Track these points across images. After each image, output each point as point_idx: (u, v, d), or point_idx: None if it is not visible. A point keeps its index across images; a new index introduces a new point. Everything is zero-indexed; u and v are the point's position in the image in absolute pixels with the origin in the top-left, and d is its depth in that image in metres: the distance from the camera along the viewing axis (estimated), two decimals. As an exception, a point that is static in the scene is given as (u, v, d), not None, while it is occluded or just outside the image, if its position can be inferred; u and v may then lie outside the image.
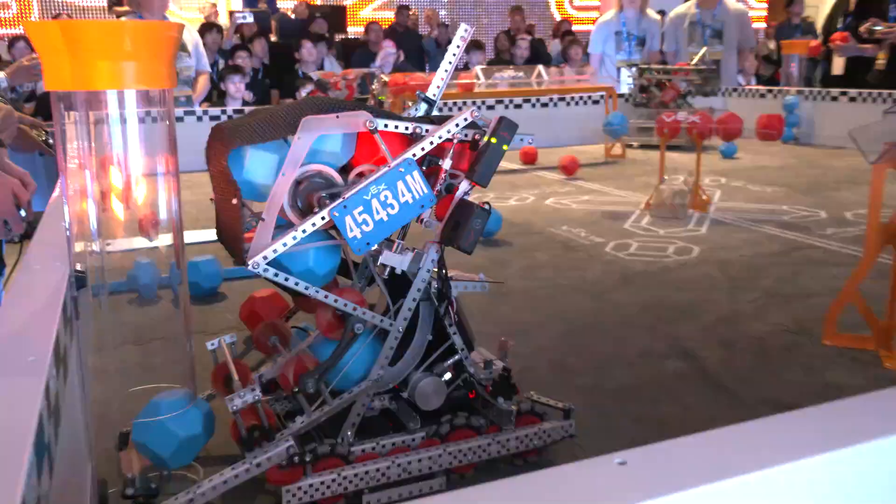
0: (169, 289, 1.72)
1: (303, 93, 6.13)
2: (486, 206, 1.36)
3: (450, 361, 1.44)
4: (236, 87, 5.94)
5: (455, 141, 1.38)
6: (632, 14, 7.09)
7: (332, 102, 1.39)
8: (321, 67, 7.15)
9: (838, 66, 6.25)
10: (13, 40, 6.83)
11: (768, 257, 2.98)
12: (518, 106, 6.33)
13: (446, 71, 1.45)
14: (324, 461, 1.35)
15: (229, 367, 1.48)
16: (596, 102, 6.49)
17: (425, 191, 1.33)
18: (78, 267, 1.38)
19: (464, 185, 1.38)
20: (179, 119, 5.32)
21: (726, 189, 4.42)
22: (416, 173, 1.32)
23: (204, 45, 7.04)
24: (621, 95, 6.25)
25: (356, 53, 8.26)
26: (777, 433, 0.91)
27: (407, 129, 1.36)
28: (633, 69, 6.16)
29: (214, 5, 9.90)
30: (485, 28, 13.34)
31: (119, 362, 1.65)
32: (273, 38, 8.51)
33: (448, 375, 1.44)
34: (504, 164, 5.40)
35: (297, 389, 1.36)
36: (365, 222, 1.30)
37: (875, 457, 0.82)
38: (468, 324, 1.51)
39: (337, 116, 1.33)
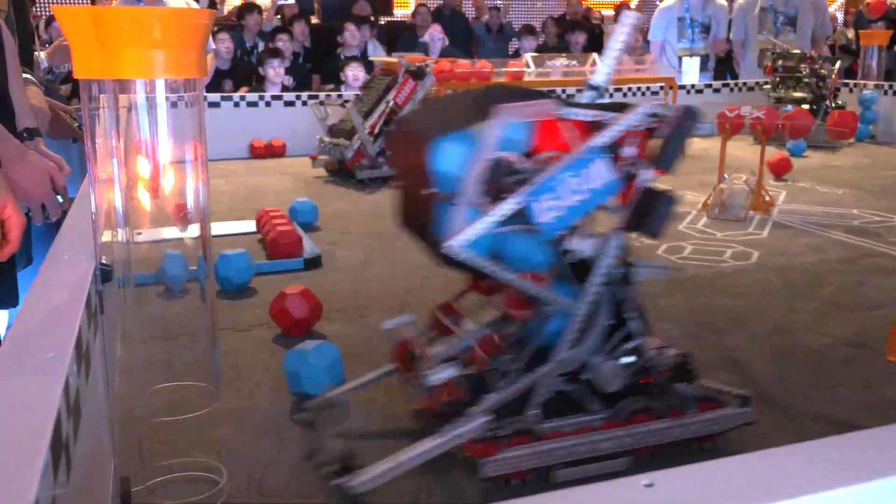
0: (197, 282, 1.77)
1: (348, 73, 6.15)
2: (672, 193, 1.45)
3: (629, 346, 1.53)
4: (276, 72, 6.02)
5: (635, 129, 1.46)
6: (696, -1, 6.98)
7: (518, 91, 1.51)
8: (364, 52, 7.20)
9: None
10: (50, 19, 7.04)
11: (833, 264, 2.92)
12: (571, 96, 6.29)
13: (614, 58, 1.57)
14: (516, 437, 1.46)
15: (412, 345, 1.62)
16: (655, 94, 6.41)
17: (611, 178, 1.43)
18: (104, 260, 1.43)
19: (646, 173, 1.47)
20: (216, 105, 5.43)
21: (792, 190, 4.34)
22: (602, 160, 1.43)
23: (244, 27, 7.16)
24: (682, 87, 6.17)
25: (402, 37, 8.30)
26: (820, 457, 0.90)
27: (592, 117, 1.47)
28: (770, 54, 6.02)
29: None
30: (538, 12, 13.25)
31: (145, 357, 1.71)
32: (315, 20, 8.59)
33: (627, 359, 1.53)
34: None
35: (489, 367, 1.48)
36: (553, 208, 1.40)
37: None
38: (645, 310, 1.59)
39: (525, 105, 1.42)
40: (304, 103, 5.58)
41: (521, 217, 1.41)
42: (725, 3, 7.34)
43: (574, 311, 1.48)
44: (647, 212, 1.44)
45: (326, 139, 4.72)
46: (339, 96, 5.58)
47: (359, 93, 4.99)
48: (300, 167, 5.01)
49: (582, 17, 11.52)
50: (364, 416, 1.57)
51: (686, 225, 3.54)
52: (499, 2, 11.05)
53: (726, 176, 3.79)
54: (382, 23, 9.87)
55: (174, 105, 1.46)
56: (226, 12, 8.37)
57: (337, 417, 1.58)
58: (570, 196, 1.40)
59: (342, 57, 6.85)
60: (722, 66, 7.57)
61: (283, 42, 6.70)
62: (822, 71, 5.88)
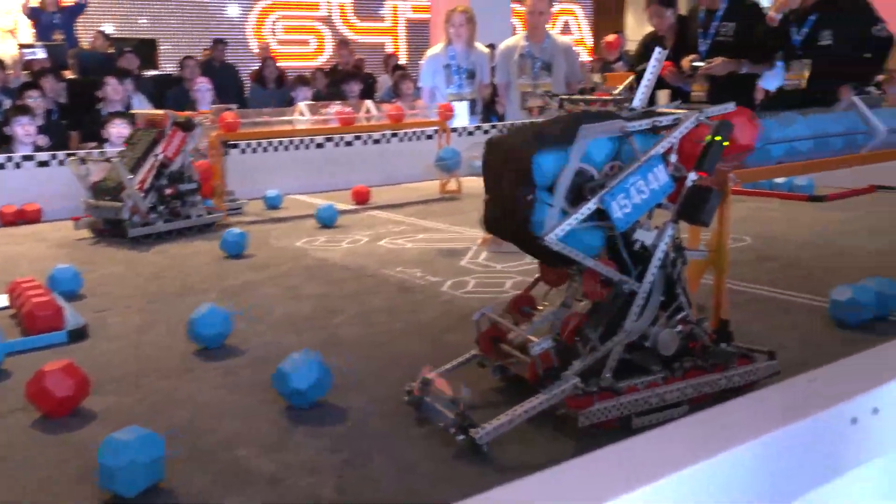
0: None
1: (111, 129, 5.80)
2: (716, 188, 1.80)
3: (679, 316, 1.88)
4: (25, 131, 5.55)
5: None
6: (460, 47, 7.36)
7: (597, 114, 1.87)
8: (128, 106, 6.84)
9: (662, 98, 6.78)
10: None
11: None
12: (349, 143, 6.35)
13: (646, 85, 1.92)
14: (602, 393, 1.77)
15: (500, 328, 2.02)
16: (430, 137, 6.64)
17: (667, 179, 1.78)
18: None
19: (691, 175, 1.83)
20: (-45, 169, 4.89)
21: (561, 220, 4.63)
22: (661, 165, 1.78)
23: (-14, 83, 6.55)
24: (454, 129, 6.44)
25: (172, 91, 8.00)
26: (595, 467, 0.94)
27: (649, 125, 1.83)
28: (557, 99, 6.35)
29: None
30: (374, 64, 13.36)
31: None
32: (70, 74, 8.05)
33: (679, 328, 1.87)
34: (337, 206, 5.35)
35: (577, 338, 1.82)
36: (626, 206, 1.74)
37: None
38: (687, 287, 1.94)
39: (603, 124, 1.79)
40: (61, 163, 5.17)
41: (600, 214, 1.76)
42: (487, 50, 7.81)
43: (638, 289, 1.81)
44: (698, 205, 1.79)
45: (91, 200, 4.39)
46: (102, 153, 5.24)
47: (122, 148, 4.72)
48: (60, 232, 4.62)
49: (353, 68, 11.77)
50: (468, 389, 1.79)
51: (467, 261, 3.66)
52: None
53: (501, 211, 3.96)
54: (148, 76, 9.44)
55: None
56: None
57: (444, 393, 1.83)
58: (637, 195, 1.74)
59: (103, 113, 6.46)
60: (488, 110, 8.02)
61: (32, 99, 6.20)
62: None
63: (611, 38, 8.86)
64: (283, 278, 3.44)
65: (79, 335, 2.67)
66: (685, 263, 1.93)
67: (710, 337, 1.97)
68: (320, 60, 13.67)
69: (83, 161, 4.55)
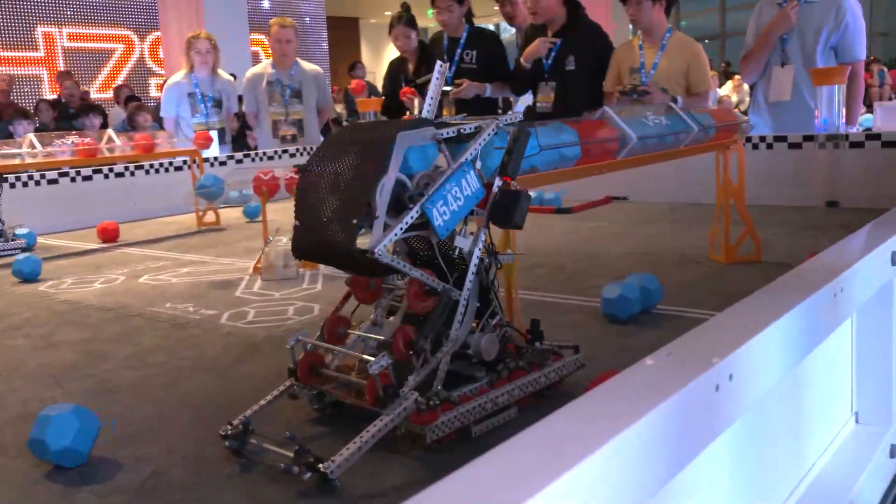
0: None
1: None
2: (528, 191, 1.78)
3: (494, 321, 1.87)
4: None
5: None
6: (204, 75, 7.03)
7: (405, 122, 1.77)
8: None
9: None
10: None
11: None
12: (88, 178, 5.79)
13: (432, 97, 1.89)
14: (444, 404, 1.71)
15: (319, 355, 1.90)
16: (179, 169, 6.26)
17: (478, 185, 1.77)
18: None
19: (497, 181, 1.81)
20: None
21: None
22: (472, 172, 1.77)
23: None
24: (206, 159, 6.13)
25: None
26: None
27: (456, 132, 1.80)
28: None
29: None
30: (29, 95, 12.18)
31: None
32: None
33: (496, 332, 1.86)
34: (80, 245, 4.87)
35: (411, 352, 1.74)
36: (445, 213, 1.71)
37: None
38: (497, 291, 1.93)
39: (417, 131, 1.73)
40: None
41: (422, 223, 1.71)
42: (232, 79, 7.53)
43: (459, 297, 1.78)
44: (510, 209, 1.77)
45: None
46: None
47: None
48: None
49: (81, 100, 10.87)
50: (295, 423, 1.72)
51: (243, 291, 3.46)
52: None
53: (271, 238, 3.80)
54: None
55: None
56: None
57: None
58: (454, 202, 1.72)
59: None
60: (237, 140, 7.73)
61: None
62: None
63: (353, 84, 9.01)
64: (30, 327, 3.01)
65: None
66: (499, 267, 1.93)
67: (524, 337, 2.00)
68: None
69: None
